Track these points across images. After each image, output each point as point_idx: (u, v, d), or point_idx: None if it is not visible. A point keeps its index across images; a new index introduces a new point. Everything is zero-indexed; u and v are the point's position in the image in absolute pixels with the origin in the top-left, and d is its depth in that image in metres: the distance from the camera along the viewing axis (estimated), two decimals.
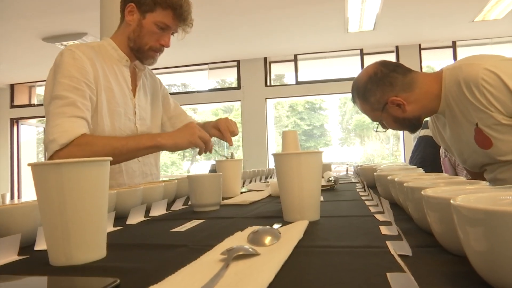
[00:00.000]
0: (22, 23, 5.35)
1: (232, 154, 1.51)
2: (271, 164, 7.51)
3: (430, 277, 0.45)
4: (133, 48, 1.44)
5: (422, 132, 3.91)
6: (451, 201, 0.43)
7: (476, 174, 1.52)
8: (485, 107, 1.22)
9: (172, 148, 1.27)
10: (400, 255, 0.51)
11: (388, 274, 0.44)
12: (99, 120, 1.33)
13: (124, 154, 1.26)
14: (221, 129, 1.45)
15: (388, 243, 0.59)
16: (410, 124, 1.43)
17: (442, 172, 3.55)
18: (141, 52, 1.44)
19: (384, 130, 1.54)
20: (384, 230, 0.69)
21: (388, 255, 0.53)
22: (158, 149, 1.31)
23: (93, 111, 1.32)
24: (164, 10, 1.38)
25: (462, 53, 7.25)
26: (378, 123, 1.51)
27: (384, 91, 1.40)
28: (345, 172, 3.66)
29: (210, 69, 8.11)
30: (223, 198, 1.26)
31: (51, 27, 5.53)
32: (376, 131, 1.55)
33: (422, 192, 0.56)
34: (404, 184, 0.70)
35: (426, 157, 3.59)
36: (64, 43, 5.82)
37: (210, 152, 1.34)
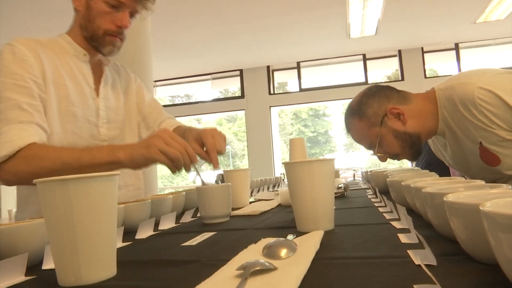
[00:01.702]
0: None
1: (222, 177, 1.16)
2: (278, 172, 7.49)
3: None
4: (87, 37, 1.23)
5: None
6: (481, 208, 0.40)
7: None
8: (486, 126, 1.19)
9: (131, 165, 1.03)
10: (425, 265, 0.49)
11: (415, 287, 0.42)
12: (48, 121, 1.13)
13: (76, 170, 0.97)
14: (208, 147, 1.13)
15: (409, 252, 0.56)
16: (411, 142, 1.35)
17: (448, 173, 3.54)
18: (96, 39, 1.22)
19: (381, 154, 1.42)
20: (403, 238, 0.67)
21: (411, 265, 0.51)
22: (117, 166, 1.03)
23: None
24: None
25: (465, 55, 7.23)
26: (375, 147, 1.41)
27: (381, 102, 1.36)
28: (352, 178, 3.63)
29: (213, 79, 8.14)
30: (232, 209, 1.23)
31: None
32: (373, 155, 1.44)
33: (444, 198, 0.54)
34: (423, 190, 0.68)
35: (432, 160, 3.61)
36: None
37: (187, 170, 1.04)
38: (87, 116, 1.24)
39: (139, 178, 1.43)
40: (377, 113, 1.36)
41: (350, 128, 1.46)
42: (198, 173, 1.11)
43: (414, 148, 1.37)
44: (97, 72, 1.32)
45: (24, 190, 1.23)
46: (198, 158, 1.09)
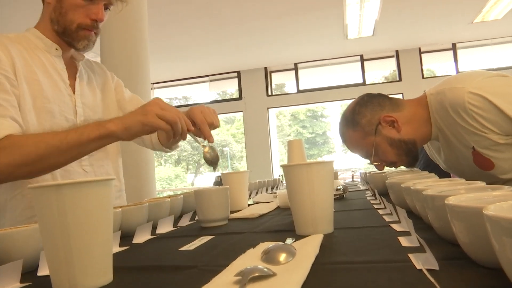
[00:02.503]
0: None
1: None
2: (276, 174, 7.48)
3: None
4: (59, 31, 1.15)
5: None
6: (484, 211, 0.39)
7: None
8: (478, 130, 1.18)
9: (125, 135, 0.98)
10: (426, 270, 0.48)
11: None
12: (23, 119, 1.06)
13: (64, 151, 0.97)
14: (197, 122, 1.08)
15: (410, 256, 0.55)
16: (407, 149, 1.34)
17: (447, 174, 3.55)
18: (68, 33, 1.15)
19: (378, 163, 1.40)
20: (403, 241, 0.66)
21: (412, 270, 0.50)
22: (109, 139, 0.99)
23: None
24: None
25: (463, 55, 7.25)
26: (371, 156, 1.39)
27: (374, 111, 1.34)
28: (351, 179, 3.62)
29: (211, 81, 8.13)
30: (230, 212, 1.22)
31: None
32: (371, 164, 1.43)
33: (445, 201, 0.53)
34: (423, 192, 0.67)
35: (430, 161, 3.63)
36: None
37: (184, 138, 1.03)
38: (64, 113, 1.16)
39: (120, 179, 1.38)
40: (371, 121, 1.34)
41: (345, 139, 1.44)
42: (195, 139, 1.09)
43: (410, 154, 1.36)
44: (71, 68, 1.24)
45: (0, 196, 1.13)
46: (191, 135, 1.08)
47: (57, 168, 1.06)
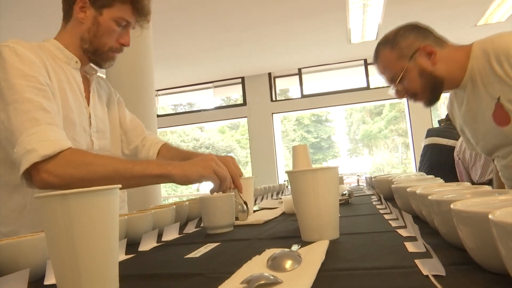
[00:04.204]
0: None
1: (246, 204, 1.22)
2: (281, 180, 7.47)
3: None
4: (89, 50, 1.22)
5: (427, 141, 4.00)
6: (490, 216, 0.39)
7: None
8: (511, 80, 1.19)
9: (182, 181, 1.05)
10: (433, 276, 0.48)
11: None
12: None
13: (125, 179, 1.03)
14: (232, 175, 1.13)
15: (417, 261, 0.55)
16: (434, 84, 1.35)
17: (452, 176, 3.57)
18: (99, 54, 1.23)
19: (400, 89, 1.39)
20: (410, 247, 0.65)
21: (419, 276, 0.50)
22: (166, 180, 1.07)
23: None
24: (123, 4, 1.20)
25: None
26: (396, 81, 1.38)
27: (417, 37, 1.36)
28: (356, 183, 3.61)
29: (215, 87, 8.15)
30: (236, 218, 1.22)
31: None
32: (392, 89, 1.42)
33: (452, 206, 0.53)
34: (429, 197, 0.67)
35: (434, 164, 3.69)
36: None
37: (225, 192, 1.10)
38: (82, 124, 1.22)
39: (123, 190, 1.39)
40: (410, 46, 1.36)
41: (379, 56, 1.45)
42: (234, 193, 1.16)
43: (434, 92, 1.37)
44: (85, 81, 1.29)
45: (19, 200, 1.14)
46: None
47: None
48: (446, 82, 1.36)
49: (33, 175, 1.00)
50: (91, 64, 1.30)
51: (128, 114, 1.48)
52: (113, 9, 1.19)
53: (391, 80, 1.42)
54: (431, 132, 4.14)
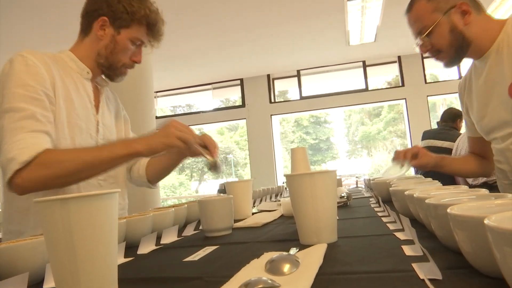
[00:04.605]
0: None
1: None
2: (280, 181, 7.47)
3: None
4: (104, 65, 1.31)
5: (423, 143, 4.08)
6: (486, 221, 0.40)
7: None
8: None
9: (148, 153, 1.14)
10: (429, 280, 0.48)
11: None
12: (58, 133, 1.17)
13: (96, 167, 1.11)
14: (208, 144, 1.27)
15: (414, 265, 0.55)
16: (461, 44, 1.36)
17: (449, 178, 3.60)
18: (113, 69, 1.33)
19: (425, 45, 1.39)
20: (407, 250, 0.66)
21: (416, 280, 0.50)
22: (134, 157, 1.15)
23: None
24: (140, 26, 1.30)
25: (466, 60, 7.23)
26: (424, 34, 1.38)
27: None
28: (355, 185, 3.61)
29: (214, 88, 8.15)
30: (234, 220, 1.22)
31: None
32: (417, 43, 1.42)
33: (448, 210, 0.53)
34: (426, 201, 0.67)
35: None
36: None
37: (194, 155, 1.22)
38: (89, 131, 1.28)
39: (124, 198, 1.46)
40: (448, 1, 1.36)
41: (413, 6, 1.45)
42: (203, 155, 1.25)
43: (459, 52, 1.38)
44: (96, 91, 1.37)
45: (24, 201, 1.18)
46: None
47: (86, 180, 1.18)
48: (471, 47, 1.37)
49: (14, 182, 1.05)
50: (103, 77, 1.38)
51: (131, 133, 1.57)
52: (130, 30, 1.29)
53: (419, 33, 1.42)
54: (427, 135, 4.17)
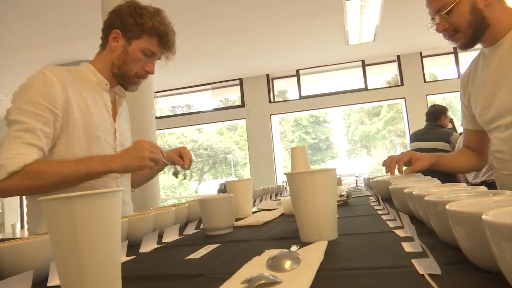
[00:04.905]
0: (27, 54, 5.43)
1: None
2: (280, 180, 7.48)
3: None
4: (117, 74, 1.41)
5: (410, 146, 4.17)
6: (483, 217, 0.40)
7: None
8: None
9: (123, 172, 1.27)
10: (429, 275, 0.49)
11: None
12: (70, 145, 1.27)
13: (74, 180, 1.21)
14: (183, 154, 1.45)
15: (413, 261, 0.56)
16: (480, 25, 1.34)
17: (440, 174, 3.62)
18: (125, 78, 1.42)
19: (443, 25, 1.38)
20: (407, 247, 0.66)
21: (415, 275, 0.51)
22: (109, 173, 1.27)
23: (62, 136, 1.27)
24: (150, 37, 1.38)
25: (465, 58, 7.24)
26: (443, 11, 1.36)
27: None
28: (355, 184, 3.62)
29: (214, 88, 8.16)
30: (235, 219, 1.23)
31: (55, 56, 5.61)
32: (433, 23, 1.41)
33: (447, 207, 0.54)
34: (425, 198, 0.68)
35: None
36: None
37: (160, 164, 1.36)
38: (107, 139, 1.38)
39: (130, 198, 1.57)
40: None
41: None
42: (170, 165, 1.44)
43: (476, 34, 1.36)
44: (113, 101, 1.47)
45: (35, 203, 1.31)
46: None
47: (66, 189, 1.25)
48: (488, 30, 1.35)
49: (0, 188, 1.15)
50: (120, 87, 1.48)
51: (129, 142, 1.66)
52: (141, 41, 1.37)
53: (438, 10, 1.40)
54: (414, 137, 4.25)
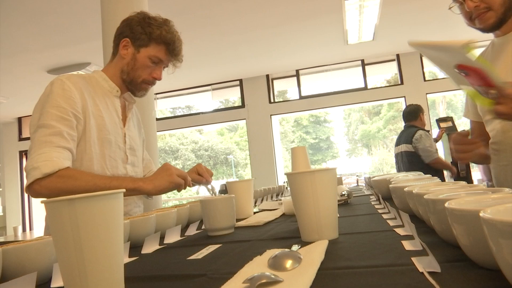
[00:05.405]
0: (27, 57, 5.44)
1: (213, 188, 1.48)
2: (281, 181, 7.48)
3: None
4: (126, 80, 1.48)
5: (395, 150, 4.15)
6: (481, 214, 0.41)
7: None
8: None
9: (153, 192, 1.31)
10: (428, 273, 0.49)
11: None
12: (87, 148, 1.34)
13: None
14: (201, 172, 1.49)
15: (414, 259, 0.57)
16: (510, 6, 1.31)
17: (430, 170, 3.68)
18: (134, 84, 1.48)
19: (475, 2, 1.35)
20: (407, 245, 0.67)
21: (415, 273, 0.51)
22: (138, 193, 1.32)
23: (80, 139, 1.33)
24: (158, 45, 1.44)
25: None
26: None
27: None
28: (356, 184, 3.62)
29: (214, 89, 8.16)
30: (236, 220, 1.24)
31: (55, 60, 5.62)
32: (457, 5, 1.39)
33: (446, 205, 0.55)
34: (425, 196, 0.68)
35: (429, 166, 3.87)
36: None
37: (190, 186, 1.42)
38: (118, 143, 1.45)
39: (140, 197, 1.60)
40: None
41: None
42: (199, 184, 1.50)
43: (505, 15, 1.33)
44: (123, 107, 1.54)
45: None
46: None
47: None
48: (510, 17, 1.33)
49: (32, 187, 1.22)
50: (130, 94, 1.53)
51: (146, 156, 1.74)
52: (148, 49, 1.44)
53: None
54: (396, 141, 4.30)
